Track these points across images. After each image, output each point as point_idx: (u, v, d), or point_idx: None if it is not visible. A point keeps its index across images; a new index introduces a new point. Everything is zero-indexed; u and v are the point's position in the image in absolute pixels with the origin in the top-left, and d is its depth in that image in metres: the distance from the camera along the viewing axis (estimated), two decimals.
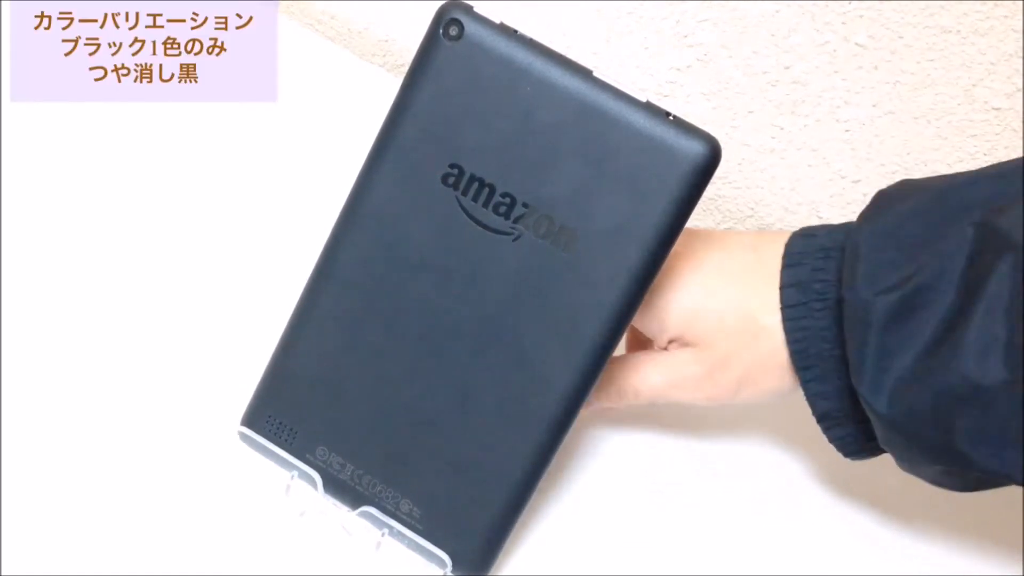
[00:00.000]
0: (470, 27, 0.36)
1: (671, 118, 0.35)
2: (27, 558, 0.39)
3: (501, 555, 0.40)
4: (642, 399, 0.42)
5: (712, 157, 0.35)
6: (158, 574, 0.40)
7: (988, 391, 0.32)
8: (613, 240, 0.36)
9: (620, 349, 0.45)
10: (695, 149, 0.35)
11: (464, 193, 0.37)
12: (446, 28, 0.36)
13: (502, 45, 0.36)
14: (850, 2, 0.53)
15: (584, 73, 0.35)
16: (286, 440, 0.41)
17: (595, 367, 0.38)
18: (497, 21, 0.36)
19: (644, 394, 0.42)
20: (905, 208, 0.37)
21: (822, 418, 0.40)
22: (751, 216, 0.64)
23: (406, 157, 0.38)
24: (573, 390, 0.38)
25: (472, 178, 0.37)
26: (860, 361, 0.36)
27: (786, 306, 0.39)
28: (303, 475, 0.41)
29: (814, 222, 0.62)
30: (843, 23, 0.54)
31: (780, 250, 0.40)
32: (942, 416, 0.34)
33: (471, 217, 0.37)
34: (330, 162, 0.57)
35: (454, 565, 0.40)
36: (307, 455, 0.41)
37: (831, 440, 0.41)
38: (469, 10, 0.36)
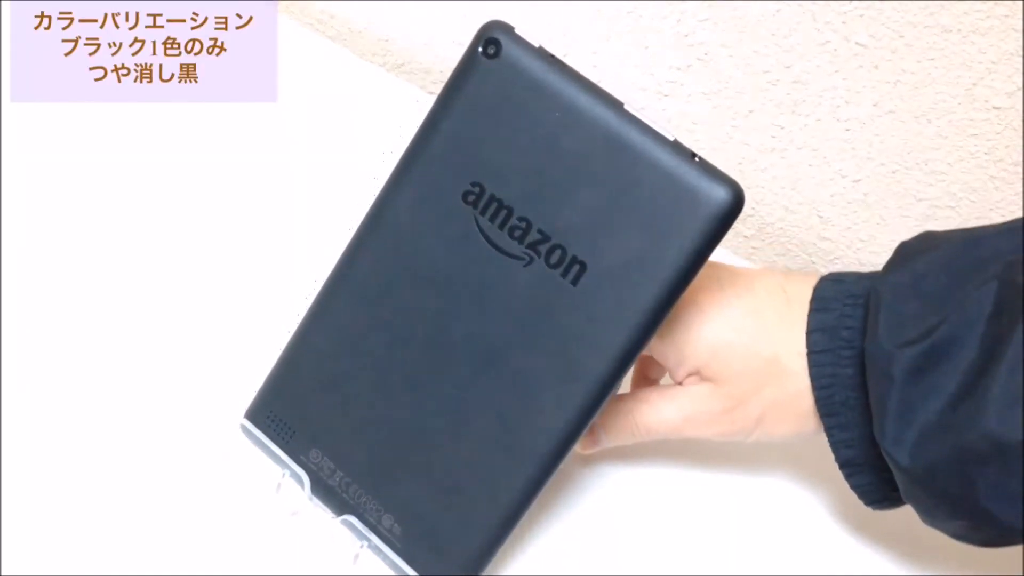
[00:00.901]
0: (508, 47, 0.35)
1: (697, 160, 0.34)
2: (27, 543, 0.39)
3: None
4: (654, 435, 0.41)
5: (734, 204, 0.34)
6: (148, 567, 0.40)
7: (1011, 448, 0.32)
8: (622, 279, 0.35)
9: (624, 386, 0.44)
10: (718, 195, 0.34)
11: (483, 213, 0.37)
12: (485, 46, 0.36)
13: (537, 68, 0.35)
14: (851, 1, 0.53)
15: (615, 105, 0.35)
16: (283, 438, 0.41)
17: (591, 406, 0.37)
18: (536, 44, 0.36)
19: (656, 430, 0.41)
20: (927, 260, 0.36)
21: (844, 465, 0.39)
22: (752, 215, 0.64)
23: (431, 170, 0.37)
24: (567, 427, 0.37)
25: (492, 198, 0.36)
26: (882, 413, 0.35)
27: (812, 351, 0.38)
28: (294, 475, 0.41)
29: (815, 221, 0.62)
30: (843, 22, 0.54)
31: (808, 293, 0.39)
32: (964, 471, 0.33)
33: (486, 237, 0.37)
34: (330, 162, 0.57)
35: None
36: (301, 456, 0.41)
37: (853, 487, 0.40)
38: (510, 31, 0.36)
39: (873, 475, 0.39)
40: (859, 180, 0.59)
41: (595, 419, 0.37)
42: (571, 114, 0.35)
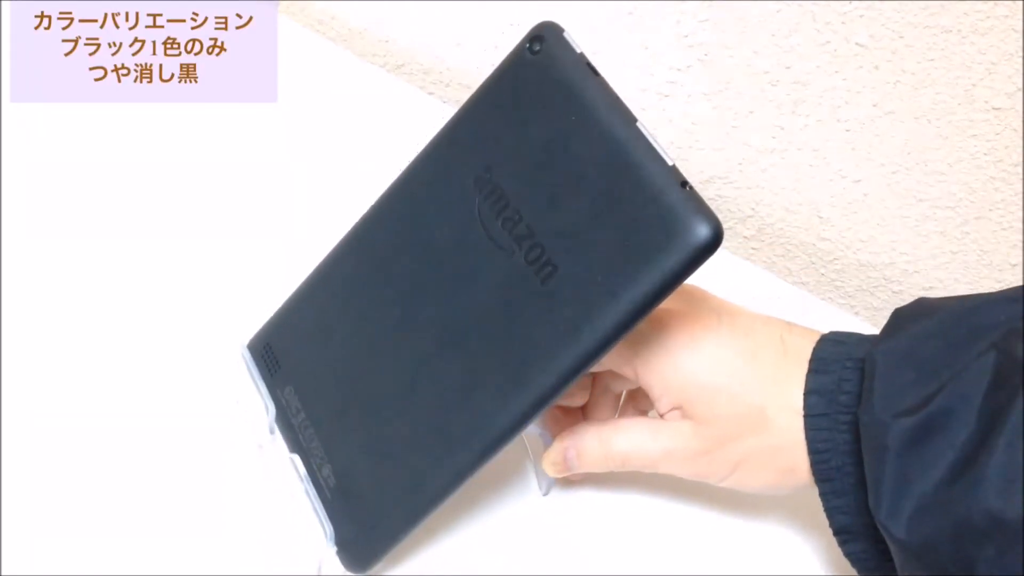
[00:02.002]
0: (549, 46, 0.37)
1: (687, 188, 0.33)
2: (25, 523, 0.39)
3: (401, 563, 0.41)
4: (628, 467, 0.40)
5: (711, 242, 0.33)
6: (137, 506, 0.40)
7: (1011, 525, 0.31)
8: (584, 292, 0.35)
9: (604, 410, 0.43)
10: (697, 229, 0.33)
11: (485, 198, 0.37)
12: (531, 42, 0.37)
13: (568, 71, 0.36)
14: (851, 2, 0.53)
15: (628, 119, 0.35)
16: (270, 371, 0.44)
17: (525, 413, 0.36)
18: (578, 50, 0.36)
19: (632, 462, 0.40)
20: (922, 328, 0.36)
21: (839, 532, 0.38)
22: (752, 216, 0.64)
23: (455, 149, 0.39)
24: (497, 427, 0.37)
25: (496, 186, 0.37)
26: (877, 484, 0.35)
27: (809, 415, 0.38)
28: (266, 406, 0.44)
29: (815, 222, 0.62)
30: (843, 23, 0.54)
31: (808, 349, 0.38)
32: (962, 548, 0.32)
33: (482, 222, 0.37)
34: (330, 162, 0.57)
35: (338, 548, 0.40)
36: (278, 390, 0.43)
37: (847, 555, 0.39)
38: (558, 32, 0.37)
39: (868, 543, 0.38)
40: (859, 180, 0.60)
41: (528, 424, 0.37)
42: (584, 120, 0.35)
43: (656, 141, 0.34)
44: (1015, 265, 0.60)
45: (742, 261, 0.58)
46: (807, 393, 0.38)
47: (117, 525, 0.41)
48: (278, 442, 0.43)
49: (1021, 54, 0.51)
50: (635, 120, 0.35)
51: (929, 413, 0.33)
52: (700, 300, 0.40)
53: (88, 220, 0.51)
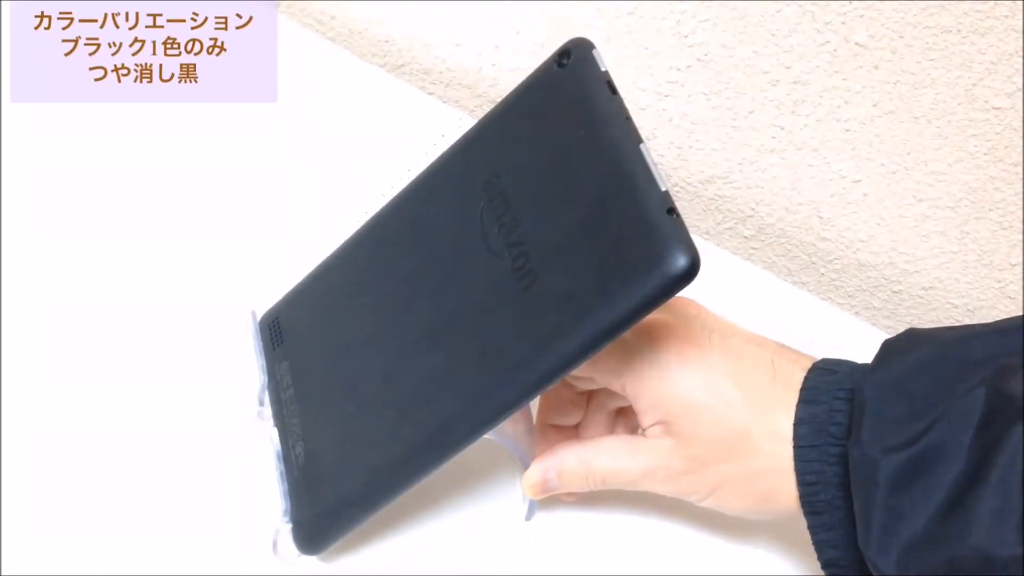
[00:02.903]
0: (575, 62, 0.37)
1: (673, 216, 0.33)
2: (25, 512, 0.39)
3: (354, 550, 0.41)
4: (609, 486, 0.40)
5: (685, 273, 0.32)
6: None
7: (1003, 564, 0.30)
8: (559, 305, 0.35)
9: (598, 428, 0.43)
10: (674, 258, 0.32)
11: (489, 202, 0.38)
12: (560, 56, 0.38)
13: (587, 88, 0.36)
14: (850, 2, 0.53)
15: (633, 139, 0.35)
16: (273, 344, 0.45)
17: (486, 419, 0.36)
18: (603, 68, 0.37)
19: (613, 481, 0.40)
20: (912, 361, 0.35)
21: (827, 566, 0.38)
22: (751, 216, 0.64)
23: (474, 152, 0.40)
24: (457, 431, 0.37)
25: (500, 192, 0.38)
26: (866, 521, 0.34)
27: (799, 446, 0.37)
28: (261, 376, 0.45)
29: (814, 222, 0.62)
30: (843, 23, 0.54)
31: (798, 376, 0.38)
32: None
33: (481, 226, 0.38)
34: (330, 162, 0.57)
35: (293, 527, 0.40)
36: (275, 364, 0.44)
37: None
38: (587, 49, 0.37)
39: None
40: (859, 180, 0.60)
41: (485, 432, 0.37)
42: (591, 137, 0.36)
43: (655, 165, 0.34)
44: (1015, 265, 0.60)
45: (742, 261, 0.58)
46: (797, 423, 0.37)
47: (104, 485, 0.42)
48: (268, 414, 0.44)
49: (1021, 54, 0.51)
50: (640, 142, 0.35)
51: (919, 449, 0.33)
52: (694, 317, 0.40)
53: (89, 220, 0.51)
